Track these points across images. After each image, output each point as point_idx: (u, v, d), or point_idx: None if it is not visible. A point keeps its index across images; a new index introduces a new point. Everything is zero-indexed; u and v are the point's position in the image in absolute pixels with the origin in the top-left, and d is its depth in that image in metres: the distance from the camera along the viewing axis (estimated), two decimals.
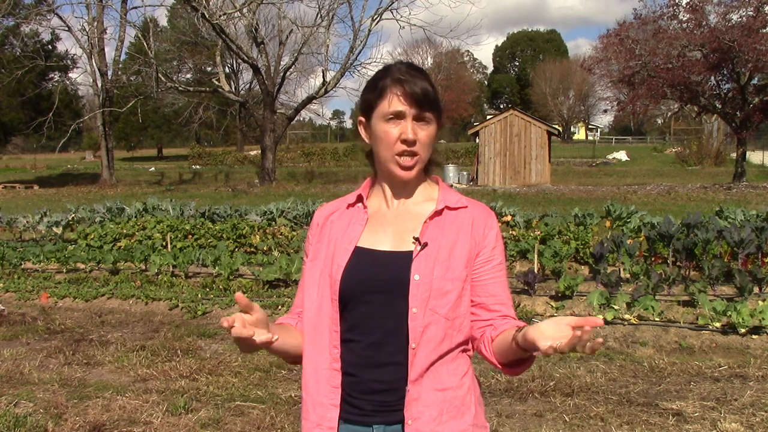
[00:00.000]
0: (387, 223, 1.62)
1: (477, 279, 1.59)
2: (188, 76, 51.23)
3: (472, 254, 1.58)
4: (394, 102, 1.54)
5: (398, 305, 1.52)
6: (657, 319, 5.95)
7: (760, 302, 5.85)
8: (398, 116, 1.54)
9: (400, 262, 1.55)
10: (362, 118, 1.63)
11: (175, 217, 11.51)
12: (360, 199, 1.67)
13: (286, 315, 1.73)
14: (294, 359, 1.67)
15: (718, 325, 5.73)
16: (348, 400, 1.56)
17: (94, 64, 32.60)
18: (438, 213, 1.60)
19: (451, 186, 1.71)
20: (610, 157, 44.24)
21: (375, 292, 1.54)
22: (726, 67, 24.34)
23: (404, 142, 1.54)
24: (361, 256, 1.57)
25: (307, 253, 1.68)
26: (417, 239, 1.56)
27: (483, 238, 1.59)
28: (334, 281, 1.56)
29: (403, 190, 1.63)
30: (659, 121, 65.80)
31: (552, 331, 1.36)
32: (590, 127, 79.96)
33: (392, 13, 27.14)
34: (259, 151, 30.97)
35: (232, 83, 49.57)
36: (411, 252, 1.55)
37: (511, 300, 1.65)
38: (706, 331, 5.74)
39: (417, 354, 1.52)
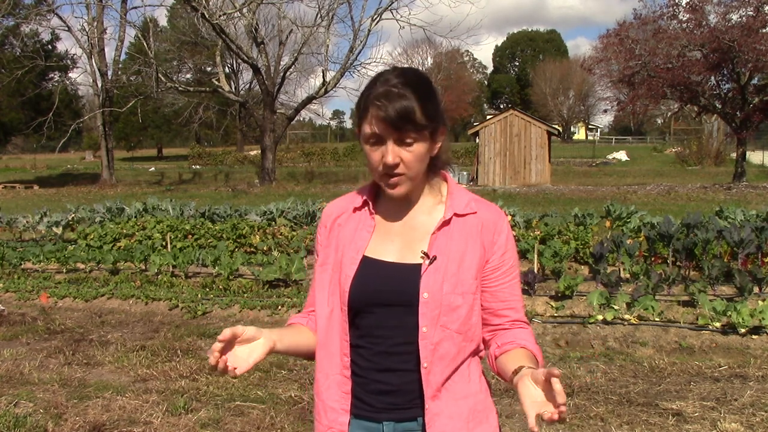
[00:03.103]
0: (394, 232, 1.58)
1: (486, 286, 1.56)
2: (188, 76, 51.28)
3: (481, 262, 1.54)
4: (371, 126, 1.47)
5: (407, 319, 1.51)
6: (657, 319, 5.95)
7: (760, 302, 5.85)
8: (378, 141, 1.48)
9: (408, 275, 1.52)
10: (357, 130, 1.59)
11: (175, 217, 11.50)
12: (366, 203, 1.62)
13: (299, 314, 1.74)
14: (309, 357, 1.67)
15: (718, 325, 5.73)
16: (358, 397, 1.57)
17: (94, 64, 32.62)
18: (446, 222, 1.55)
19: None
20: (610, 157, 44.24)
21: (383, 305, 1.53)
22: (726, 67, 24.34)
23: (385, 166, 1.48)
24: (368, 267, 1.55)
25: (317, 254, 1.66)
26: (425, 254, 1.52)
27: (492, 244, 1.56)
28: (343, 291, 1.55)
29: (408, 197, 1.58)
30: (659, 121, 65.82)
31: (542, 394, 1.34)
32: (590, 127, 79.95)
33: (392, 13, 27.18)
34: (259, 151, 30.97)
35: (232, 83, 49.57)
36: (419, 265, 1.52)
37: (522, 300, 1.62)
38: (706, 331, 5.74)
39: (431, 371, 1.50)
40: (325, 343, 1.59)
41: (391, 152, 1.47)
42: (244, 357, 1.47)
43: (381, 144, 1.48)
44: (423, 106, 1.47)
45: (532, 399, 1.34)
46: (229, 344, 1.44)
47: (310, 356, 1.67)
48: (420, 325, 1.49)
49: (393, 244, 1.57)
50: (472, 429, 1.53)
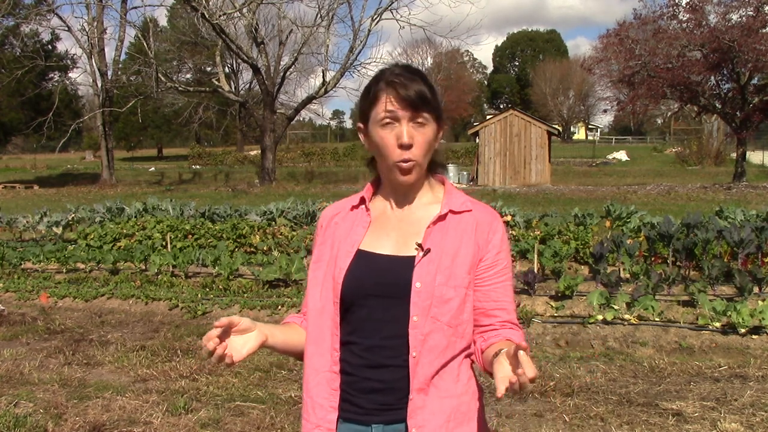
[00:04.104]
0: (390, 227, 1.60)
1: (479, 284, 1.57)
2: (188, 76, 51.28)
3: (475, 259, 1.56)
4: (387, 106, 1.51)
5: (399, 311, 1.52)
6: (657, 319, 5.95)
7: (760, 302, 5.85)
8: (393, 119, 1.52)
9: (402, 267, 1.53)
10: (360, 125, 1.62)
11: (175, 217, 11.50)
12: (363, 201, 1.65)
13: (295, 314, 1.75)
14: (300, 356, 1.69)
15: (718, 325, 5.73)
16: (347, 399, 1.56)
17: (94, 64, 32.63)
18: (442, 217, 1.58)
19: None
20: (610, 157, 44.25)
21: (375, 296, 1.54)
22: (726, 67, 24.34)
23: (401, 146, 1.52)
24: (362, 260, 1.57)
25: (313, 255, 1.69)
26: (420, 245, 1.54)
27: (486, 243, 1.57)
28: (336, 284, 1.56)
29: (407, 192, 1.62)
30: (659, 121, 65.79)
31: (510, 369, 1.36)
32: (590, 127, 79.95)
33: (392, 13, 27.20)
34: (259, 151, 30.97)
35: (232, 83, 49.56)
36: (413, 257, 1.54)
37: (514, 303, 1.63)
38: (706, 331, 5.74)
39: (419, 362, 1.51)
40: (315, 338, 1.60)
41: (407, 132, 1.52)
42: (237, 348, 1.51)
43: (395, 124, 1.53)
44: (431, 91, 1.55)
45: (503, 374, 1.36)
46: (224, 333, 1.48)
47: (300, 356, 1.68)
48: (411, 314, 1.50)
49: (388, 238, 1.59)
50: (451, 429, 1.53)
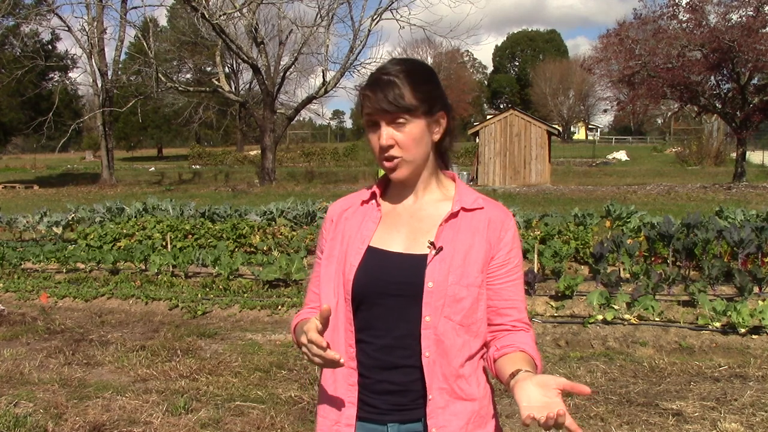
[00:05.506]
0: (401, 223, 1.59)
1: (491, 283, 1.56)
2: (188, 76, 51.33)
3: (487, 257, 1.55)
4: (366, 111, 1.54)
5: (411, 310, 1.51)
6: (657, 319, 5.95)
7: (760, 302, 5.85)
8: (374, 123, 1.54)
9: (414, 265, 1.52)
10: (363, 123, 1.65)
11: (175, 217, 11.50)
12: (374, 196, 1.64)
13: (305, 311, 1.71)
14: None
15: (718, 325, 5.73)
16: (363, 399, 1.56)
17: (94, 64, 32.64)
18: (454, 215, 1.56)
19: None
20: (610, 157, 44.24)
21: (387, 295, 1.52)
22: (726, 67, 24.34)
23: (381, 148, 1.54)
24: (373, 257, 1.55)
25: (321, 249, 1.66)
26: (432, 243, 1.53)
27: (499, 240, 1.56)
28: (347, 281, 1.55)
29: (415, 188, 1.60)
30: (659, 121, 65.77)
31: (537, 399, 1.35)
32: (590, 127, 79.95)
33: (392, 13, 27.18)
34: (259, 151, 30.98)
35: (232, 83, 49.60)
36: (425, 255, 1.52)
37: (524, 301, 1.62)
38: (706, 331, 5.74)
39: (436, 362, 1.50)
40: (330, 335, 1.58)
41: (385, 134, 1.52)
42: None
43: (378, 127, 1.53)
44: (414, 89, 1.50)
45: (528, 402, 1.36)
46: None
47: None
48: (423, 314, 1.49)
49: (399, 234, 1.57)
50: (470, 431, 1.53)
